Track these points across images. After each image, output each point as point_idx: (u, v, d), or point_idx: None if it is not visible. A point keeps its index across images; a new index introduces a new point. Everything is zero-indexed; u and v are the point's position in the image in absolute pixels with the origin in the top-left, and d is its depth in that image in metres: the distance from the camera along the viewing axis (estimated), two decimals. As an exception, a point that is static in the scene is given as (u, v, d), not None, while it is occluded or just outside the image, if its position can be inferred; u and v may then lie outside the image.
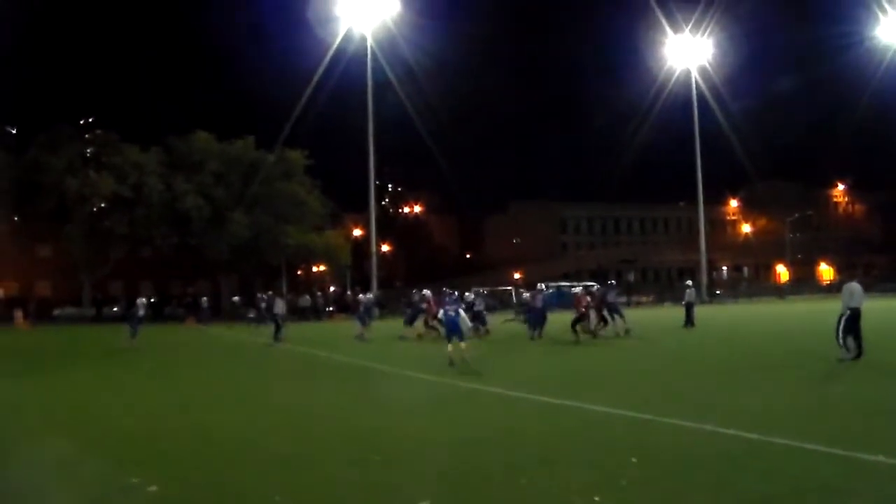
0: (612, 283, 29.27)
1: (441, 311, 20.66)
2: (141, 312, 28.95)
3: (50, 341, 35.41)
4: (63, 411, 12.91)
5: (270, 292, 41.30)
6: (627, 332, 26.74)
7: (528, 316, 29.55)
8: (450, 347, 18.36)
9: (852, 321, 16.66)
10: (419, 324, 29.43)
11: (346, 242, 71.19)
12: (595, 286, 30.10)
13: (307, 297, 58.53)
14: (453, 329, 18.52)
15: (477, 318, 28.58)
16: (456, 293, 26.32)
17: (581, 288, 28.72)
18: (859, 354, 16.44)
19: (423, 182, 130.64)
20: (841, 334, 16.73)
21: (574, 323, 25.33)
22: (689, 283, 34.74)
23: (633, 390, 13.61)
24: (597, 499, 6.65)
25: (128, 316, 28.30)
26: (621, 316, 27.02)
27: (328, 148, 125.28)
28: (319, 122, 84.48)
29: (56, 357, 26.24)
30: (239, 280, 68.61)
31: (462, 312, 19.16)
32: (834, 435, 8.97)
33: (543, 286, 28.36)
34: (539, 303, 27.97)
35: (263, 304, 35.18)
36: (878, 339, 22.56)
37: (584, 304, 25.47)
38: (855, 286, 17.28)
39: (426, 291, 30.68)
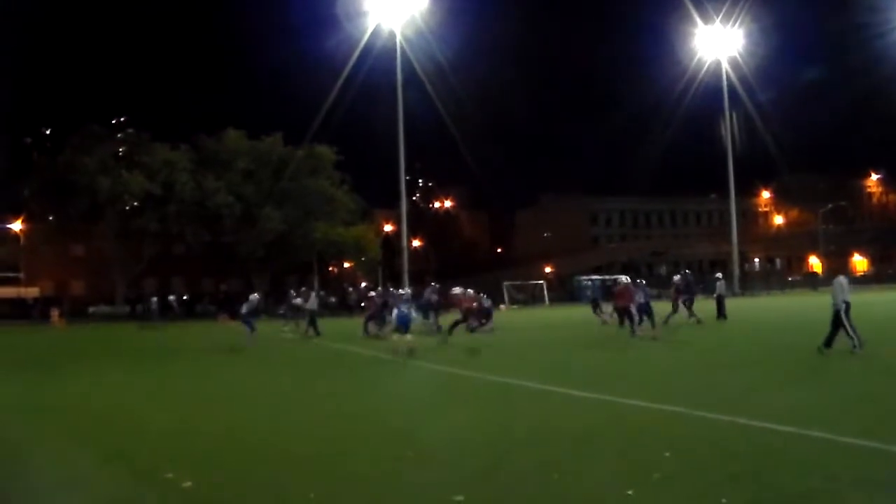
0: (640, 282, 29.17)
1: (395, 309, 22.36)
2: (245, 309, 27.87)
3: (85, 339, 35.84)
4: (98, 408, 13.03)
5: (304, 288, 41.44)
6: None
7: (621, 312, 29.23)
8: (395, 337, 20.85)
9: (840, 315, 16.91)
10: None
11: (375, 237, 71.34)
12: (626, 279, 29.93)
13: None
14: (403, 323, 20.84)
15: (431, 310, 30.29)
16: (408, 292, 29.80)
17: (624, 279, 28.51)
18: (829, 344, 16.75)
19: (453, 177, 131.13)
20: (849, 327, 16.81)
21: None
22: (719, 275, 34.59)
23: (666, 383, 13.55)
24: (630, 493, 6.62)
25: (242, 315, 27.94)
26: (650, 317, 26.80)
27: (358, 144, 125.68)
28: (349, 118, 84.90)
29: (91, 355, 26.54)
30: (270, 277, 69.01)
31: (413, 310, 22.26)
32: (869, 428, 8.87)
33: (625, 278, 28.19)
34: (642, 297, 27.84)
35: (298, 300, 35.01)
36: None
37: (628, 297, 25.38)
38: (844, 280, 17.66)
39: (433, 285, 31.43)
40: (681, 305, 29.36)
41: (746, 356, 17.96)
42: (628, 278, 28.67)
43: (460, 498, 6.68)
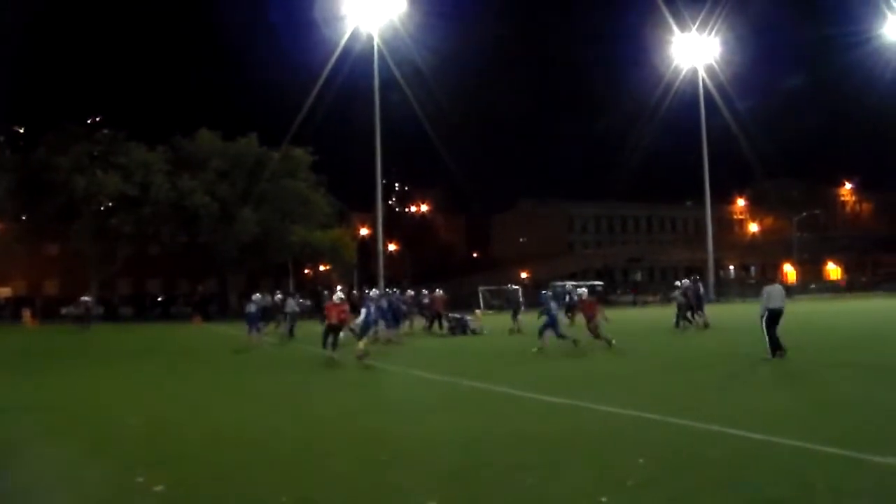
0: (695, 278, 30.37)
1: (363, 310, 21.56)
2: (253, 309, 28.08)
3: (57, 340, 35.42)
4: (68, 410, 12.90)
5: (278, 292, 41.18)
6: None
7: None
8: (362, 343, 20.06)
9: (770, 322, 17.41)
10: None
11: (351, 241, 71.15)
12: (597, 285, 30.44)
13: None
14: (370, 325, 21.08)
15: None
16: (374, 293, 28.87)
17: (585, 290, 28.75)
18: (775, 353, 17.19)
19: (430, 181, 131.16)
20: (765, 335, 17.47)
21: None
22: (679, 283, 33.18)
23: (640, 391, 13.60)
24: (604, 499, 6.63)
25: (246, 316, 28.11)
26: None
27: (335, 147, 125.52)
28: (326, 121, 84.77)
29: (62, 356, 26.19)
30: (246, 279, 68.66)
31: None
32: (841, 436, 8.95)
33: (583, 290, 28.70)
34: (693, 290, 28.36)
35: (289, 301, 34.70)
36: (887, 339, 22.55)
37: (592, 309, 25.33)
38: (774, 288, 18.12)
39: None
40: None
41: (719, 364, 18.04)
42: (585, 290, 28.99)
43: (433, 503, 6.66)
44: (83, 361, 23.90)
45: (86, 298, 29.37)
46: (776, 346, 17.26)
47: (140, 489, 7.46)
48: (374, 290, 31.67)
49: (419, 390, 15.07)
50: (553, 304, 23.31)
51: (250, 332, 27.47)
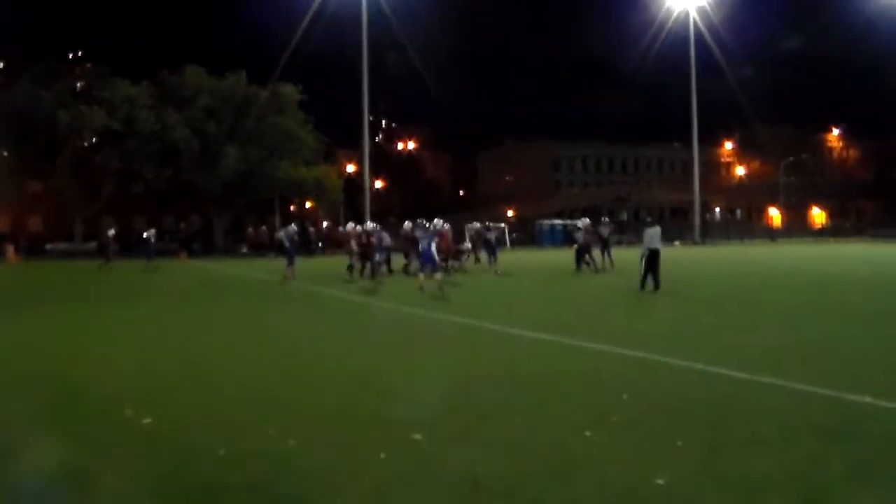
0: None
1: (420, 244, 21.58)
2: (153, 241, 30.27)
3: (42, 276, 35.29)
4: (56, 350, 12.86)
5: (263, 227, 41.03)
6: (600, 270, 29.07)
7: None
8: (422, 277, 20.13)
9: (651, 261, 19.88)
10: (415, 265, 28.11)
11: (338, 178, 70.82)
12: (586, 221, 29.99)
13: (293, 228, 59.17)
14: (427, 259, 20.53)
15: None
16: (430, 225, 26.31)
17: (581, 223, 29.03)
18: (656, 288, 19.82)
19: (416, 118, 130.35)
20: (641, 271, 20.15)
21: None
22: (579, 224, 31.08)
23: (626, 328, 13.76)
24: (588, 434, 6.73)
25: (142, 248, 29.06)
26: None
27: (320, 82, 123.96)
28: (312, 57, 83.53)
29: (47, 294, 25.94)
30: (231, 216, 68.37)
31: (433, 245, 20.82)
32: (820, 376, 9.09)
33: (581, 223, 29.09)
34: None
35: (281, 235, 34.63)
36: (869, 284, 22.81)
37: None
38: (654, 231, 20.35)
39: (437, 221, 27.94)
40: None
41: (704, 304, 18.24)
42: (586, 221, 29.14)
43: (418, 436, 6.75)
44: (67, 300, 23.83)
45: (111, 232, 29.57)
46: (653, 283, 19.84)
47: (128, 422, 7.52)
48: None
49: (406, 326, 15.10)
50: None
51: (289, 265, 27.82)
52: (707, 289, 23.02)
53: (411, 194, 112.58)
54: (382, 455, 6.20)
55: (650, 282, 19.94)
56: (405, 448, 6.48)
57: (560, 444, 6.56)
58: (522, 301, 20.55)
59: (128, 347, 12.59)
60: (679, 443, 6.47)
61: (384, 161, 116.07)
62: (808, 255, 42.95)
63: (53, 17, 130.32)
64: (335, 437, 6.91)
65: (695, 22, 71.10)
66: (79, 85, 60.99)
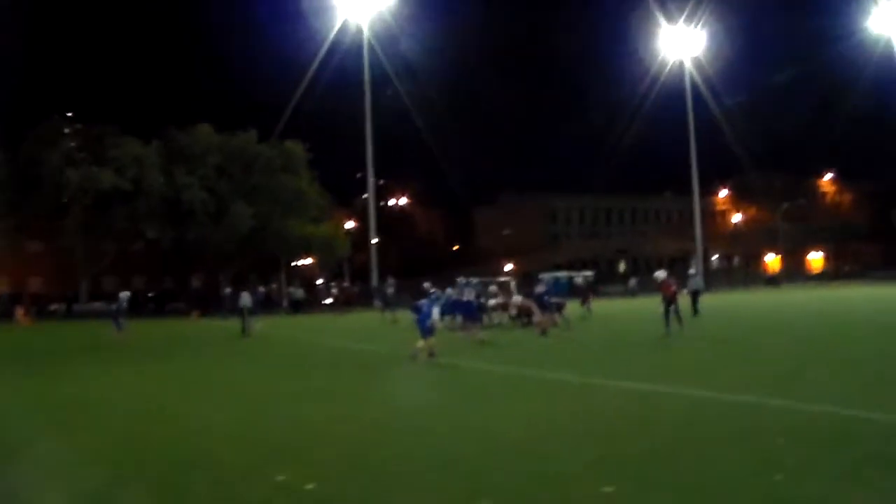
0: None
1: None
2: (124, 305, 29.82)
3: (68, 337, 34.72)
4: (63, 410, 12.76)
5: (262, 288, 41.19)
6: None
7: None
8: (420, 343, 17.71)
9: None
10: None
11: (344, 234, 71.18)
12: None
13: (300, 290, 59.98)
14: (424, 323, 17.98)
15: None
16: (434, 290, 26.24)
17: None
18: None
19: (407, 174, 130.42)
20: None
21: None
22: (693, 271, 34.46)
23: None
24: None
25: (112, 311, 29.46)
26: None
27: (318, 140, 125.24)
28: (313, 115, 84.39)
29: (60, 354, 25.44)
30: (234, 273, 68.22)
31: (434, 309, 18.34)
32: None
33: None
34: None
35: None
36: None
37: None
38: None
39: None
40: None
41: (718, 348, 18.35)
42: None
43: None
44: (89, 358, 23.66)
45: (125, 294, 29.16)
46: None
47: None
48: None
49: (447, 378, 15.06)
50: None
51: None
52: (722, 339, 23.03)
53: (405, 250, 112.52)
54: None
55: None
56: None
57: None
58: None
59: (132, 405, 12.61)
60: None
61: (379, 216, 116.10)
62: (829, 298, 43.21)
63: (64, 76, 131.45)
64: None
65: (689, 73, 72.07)
66: (88, 144, 60.93)
